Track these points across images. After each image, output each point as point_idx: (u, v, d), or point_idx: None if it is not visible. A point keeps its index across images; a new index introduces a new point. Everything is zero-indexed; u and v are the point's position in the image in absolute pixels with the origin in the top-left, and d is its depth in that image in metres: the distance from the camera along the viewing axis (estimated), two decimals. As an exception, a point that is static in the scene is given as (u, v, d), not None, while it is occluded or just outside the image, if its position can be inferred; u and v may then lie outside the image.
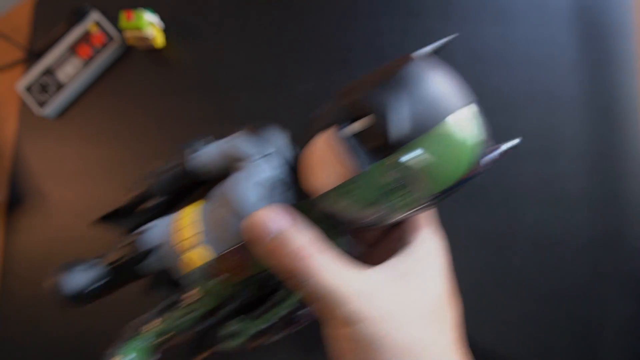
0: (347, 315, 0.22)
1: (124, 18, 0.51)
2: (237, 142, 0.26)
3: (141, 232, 0.27)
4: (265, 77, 0.54)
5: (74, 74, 0.54)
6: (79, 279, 0.27)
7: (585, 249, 0.50)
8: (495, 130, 0.57)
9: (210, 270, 0.24)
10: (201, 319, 0.26)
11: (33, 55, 0.56)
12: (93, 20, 0.54)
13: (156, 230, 0.27)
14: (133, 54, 0.55)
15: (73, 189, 0.53)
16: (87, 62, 0.54)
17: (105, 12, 0.56)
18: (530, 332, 0.49)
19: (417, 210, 0.22)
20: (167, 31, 0.56)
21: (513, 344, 0.49)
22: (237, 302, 0.26)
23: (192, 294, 0.25)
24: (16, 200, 0.53)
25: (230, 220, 0.24)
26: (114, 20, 0.56)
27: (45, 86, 0.54)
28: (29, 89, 0.54)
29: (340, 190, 0.21)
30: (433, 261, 0.25)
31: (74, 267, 0.28)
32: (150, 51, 0.55)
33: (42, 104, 0.53)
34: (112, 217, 0.29)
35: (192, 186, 0.28)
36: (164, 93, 0.54)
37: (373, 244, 0.28)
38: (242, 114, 0.54)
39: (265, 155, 0.25)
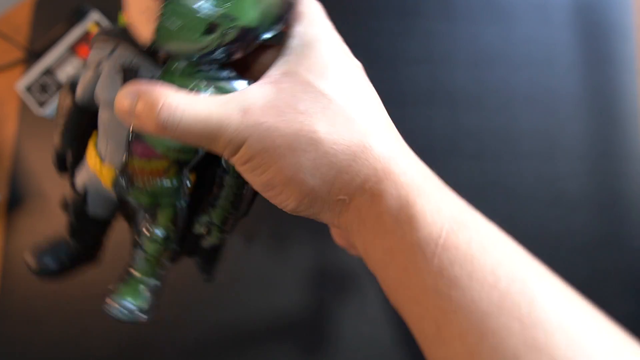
0: (231, 139, 0.20)
1: (124, 18, 0.51)
2: (90, 57, 0.25)
3: (73, 178, 0.28)
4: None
5: (74, 74, 0.54)
6: (50, 254, 0.28)
7: (585, 249, 0.50)
8: (496, 130, 0.57)
9: (130, 176, 0.24)
10: (171, 231, 0.26)
11: (33, 55, 0.56)
12: (93, 20, 0.54)
13: (81, 170, 0.28)
14: (133, 54, 0.55)
15: (73, 189, 0.53)
16: (87, 62, 0.54)
17: (105, 12, 0.56)
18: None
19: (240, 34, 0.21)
20: (167, 31, 0.55)
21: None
22: (185, 197, 0.26)
23: (145, 217, 0.26)
24: (16, 200, 0.53)
25: (114, 121, 0.24)
26: (114, 20, 0.56)
27: (45, 86, 0.54)
28: (29, 89, 0.54)
29: (161, 24, 0.20)
30: (318, 36, 0.24)
31: (45, 246, 0.29)
32: (150, 51, 0.55)
33: (42, 104, 0.53)
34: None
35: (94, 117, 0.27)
36: (164, 93, 0.54)
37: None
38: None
39: (112, 50, 0.24)
